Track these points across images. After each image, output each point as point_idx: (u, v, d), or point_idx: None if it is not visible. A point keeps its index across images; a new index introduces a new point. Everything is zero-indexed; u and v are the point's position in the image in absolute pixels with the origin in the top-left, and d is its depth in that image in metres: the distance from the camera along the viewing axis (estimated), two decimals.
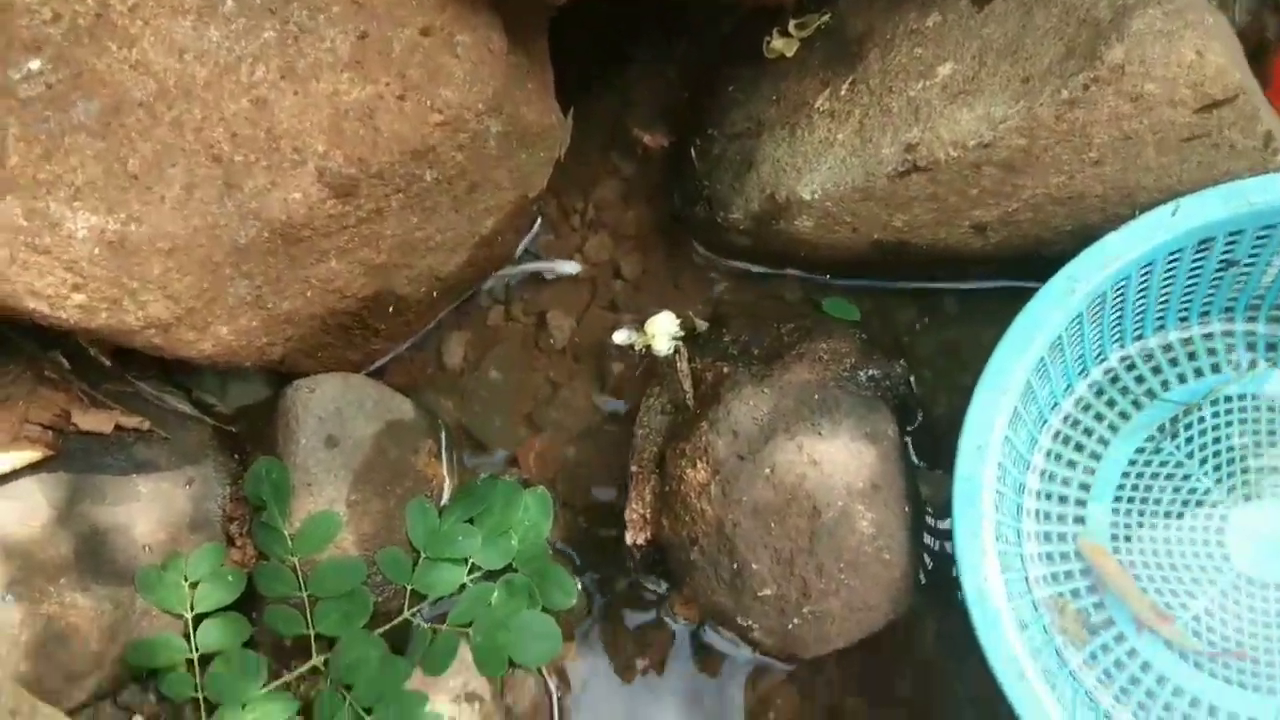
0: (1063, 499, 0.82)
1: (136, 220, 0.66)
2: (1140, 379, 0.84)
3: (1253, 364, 0.82)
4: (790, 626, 0.71)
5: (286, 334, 0.77)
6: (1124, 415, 0.84)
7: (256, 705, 0.74)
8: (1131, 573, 0.80)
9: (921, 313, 0.91)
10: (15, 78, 0.61)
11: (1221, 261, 0.77)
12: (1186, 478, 0.81)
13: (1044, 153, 0.72)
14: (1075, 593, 0.80)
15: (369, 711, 0.73)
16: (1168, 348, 0.85)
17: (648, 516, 0.78)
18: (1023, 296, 0.82)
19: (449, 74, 0.71)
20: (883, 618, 0.73)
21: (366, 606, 0.77)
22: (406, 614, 0.79)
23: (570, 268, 0.92)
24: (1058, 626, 0.78)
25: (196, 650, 0.75)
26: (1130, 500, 0.81)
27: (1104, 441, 0.83)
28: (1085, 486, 0.82)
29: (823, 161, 0.78)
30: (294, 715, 0.75)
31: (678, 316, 0.87)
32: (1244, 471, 0.79)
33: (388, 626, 0.78)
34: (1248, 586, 0.77)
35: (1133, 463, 0.82)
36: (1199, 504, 0.80)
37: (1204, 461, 0.80)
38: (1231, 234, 0.75)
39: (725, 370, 0.79)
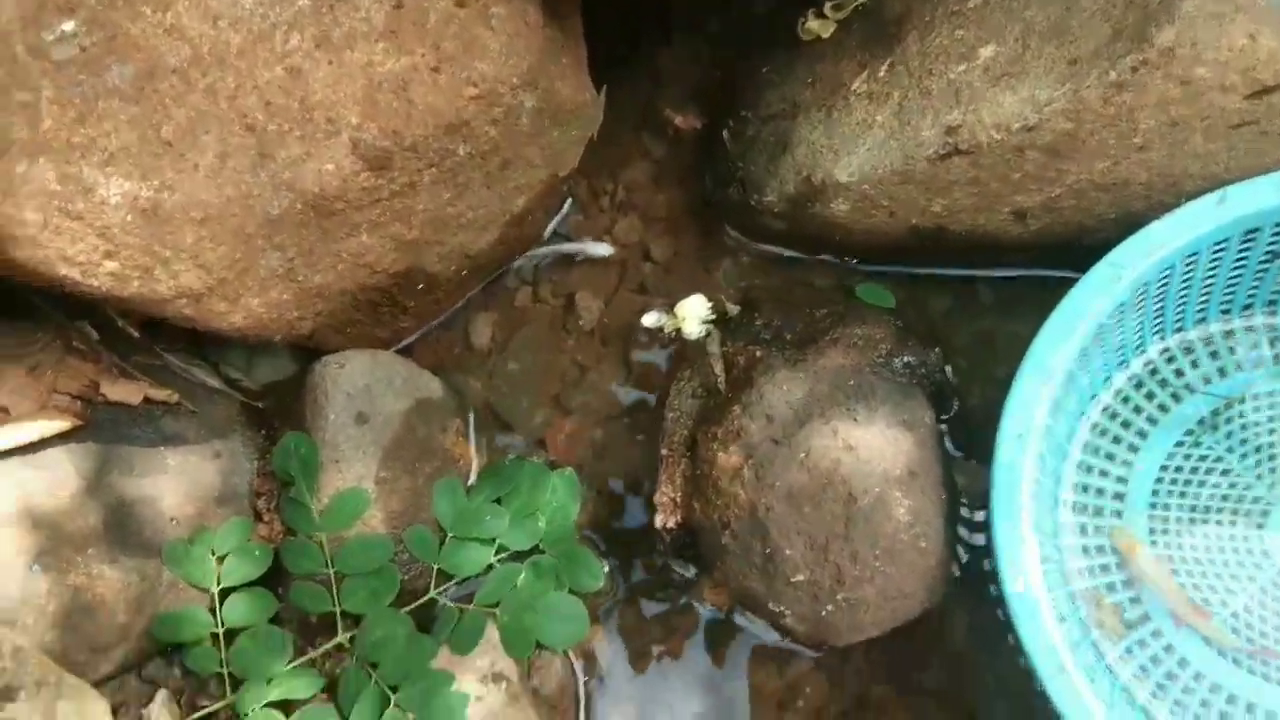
0: (1100, 491, 0.81)
1: (169, 188, 0.65)
2: (1179, 372, 0.83)
3: None
4: (823, 613, 0.70)
5: (317, 308, 0.77)
6: (1163, 408, 0.82)
7: (282, 681, 0.74)
8: (1169, 567, 0.78)
9: (955, 301, 0.89)
10: (49, 39, 0.60)
11: (1268, 253, 0.76)
12: (1226, 472, 0.79)
13: (1089, 137, 0.71)
14: (1111, 586, 0.78)
15: (394, 689, 0.73)
16: (1208, 340, 0.83)
17: (678, 500, 0.77)
18: (1059, 287, 0.80)
19: (484, 46, 0.70)
20: (918, 606, 0.72)
21: (394, 584, 0.76)
22: (433, 593, 0.78)
23: (602, 250, 0.91)
24: (1094, 620, 0.76)
25: (222, 625, 0.75)
26: (1169, 494, 0.80)
27: (1142, 434, 0.82)
28: (1123, 479, 0.81)
29: (860, 144, 0.76)
30: (319, 692, 0.75)
31: (709, 300, 0.85)
32: None
33: (413, 605, 0.77)
34: None
35: (1171, 456, 0.81)
36: (1239, 499, 0.78)
37: (1245, 456, 0.79)
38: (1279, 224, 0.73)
39: (758, 354, 0.78)
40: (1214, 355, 0.82)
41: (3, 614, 0.68)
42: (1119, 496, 0.81)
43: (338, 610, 0.76)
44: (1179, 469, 0.80)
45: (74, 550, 0.72)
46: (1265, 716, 0.73)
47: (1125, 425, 0.82)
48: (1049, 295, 0.86)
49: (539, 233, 0.92)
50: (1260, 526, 0.77)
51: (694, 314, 0.85)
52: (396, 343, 0.89)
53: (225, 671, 0.75)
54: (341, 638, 0.76)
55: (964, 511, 0.80)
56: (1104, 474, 0.81)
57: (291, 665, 0.75)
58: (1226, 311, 0.82)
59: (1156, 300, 0.77)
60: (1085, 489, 0.81)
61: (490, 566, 0.79)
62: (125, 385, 0.78)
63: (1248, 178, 0.72)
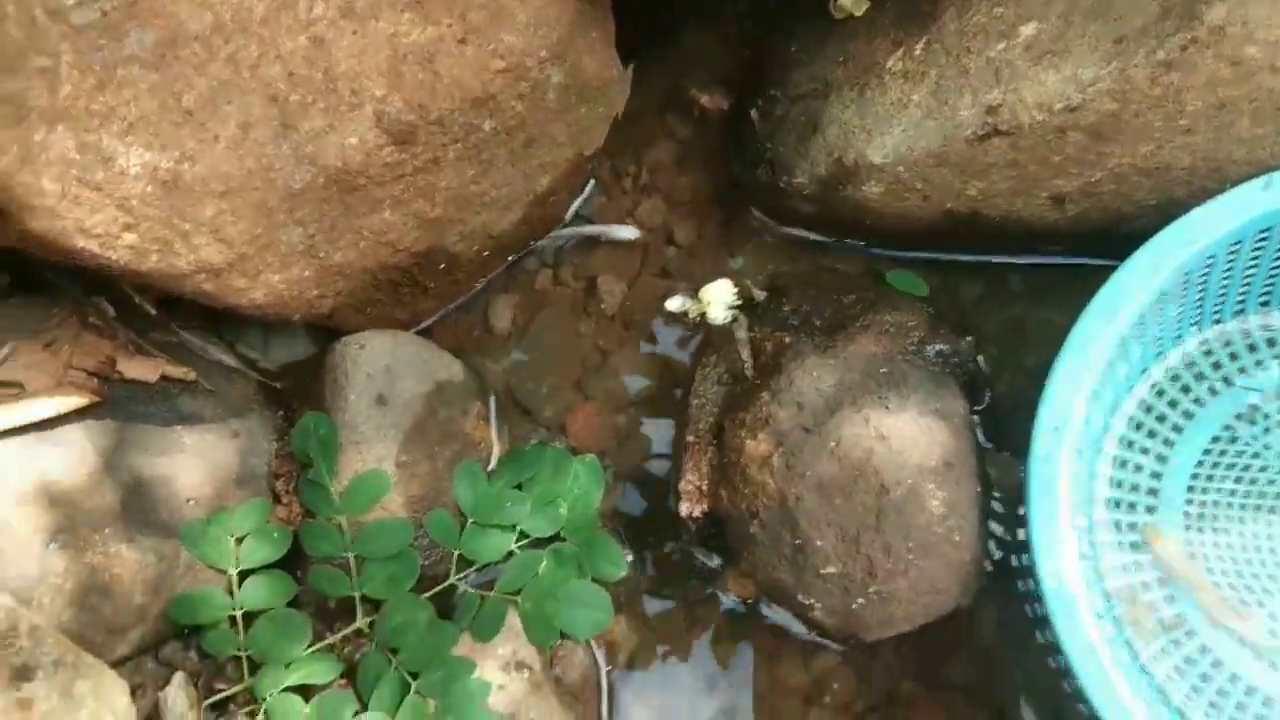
0: (1134, 487, 0.79)
1: (190, 159, 0.64)
2: (1217, 365, 0.80)
3: None
4: (854, 606, 0.69)
5: (337, 287, 0.75)
6: (1199, 402, 0.80)
7: (300, 666, 0.73)
8: (1205, 566, 0.76)
9: (986, 289, 0.87)
10: (69, 3, 0.59)
11: None
12: (1265, 469, 0.77)
13: (1134, 118, 0.68)
14: (1146, 584, 0.77)
15: (415, 676, 0.71)
16: (1246, 333, 0.81)
17: (704, 488, 0.75)
18: (1093, 275, 0.78)
19: (512, 18, 0.69)
20: (951, 601, 0.70)
21: (414, 569, 0.75)
22: (453, 579, 0.77)
23: (628, 233, 0.89)
24: (1129, 618, 0.74)
25: (240, 608, 0.74)
26: (1204, 490, 0.78)
27: (1178, 429, 0.80)
28: (1157, 475, 0.79)
29: (895, 124, 0.74)
30: (337, 677, 0.73)
31: (734, 285, 0.84)
32: None
33: (433, 591, 0.76)
34: None
35: (1207, 451, 0.79)
36: (1278, 495, 0.76)
37: None
38: None
39: (786, 340, 0.76)
40: (1252, 349, 0.80)
41: (19, 592, 0.67)
42: (1153, 492, 0.79)
43: (357, 595, 0.75)
44: (1215, 464, 0.78)
45: (91, 529, 0.70)
46: None
47: (1160, 419, 0.80)
48: (1082, 284, 0.83)
49: (561, 214, 0.90)
50: None
51: (719, 299, 0.83)
52: (416, 324, 0.88)
53: (243, 655, 0.73)
54: (360, 623, 0.75)
55: (995, 505, 0.78)
56: (1138, 469, 0.79)
57: (310, 650, 0.74)
58: (1266, 303, 0.80)
59: (1198, 290, 0.75)
60: (1119, 484, 0.79)
61: (511, 553, 0.77)
62: (142, 362, 0.76)
63: None
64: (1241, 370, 0.80)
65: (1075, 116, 0.69)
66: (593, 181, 0.92)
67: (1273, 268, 0.76)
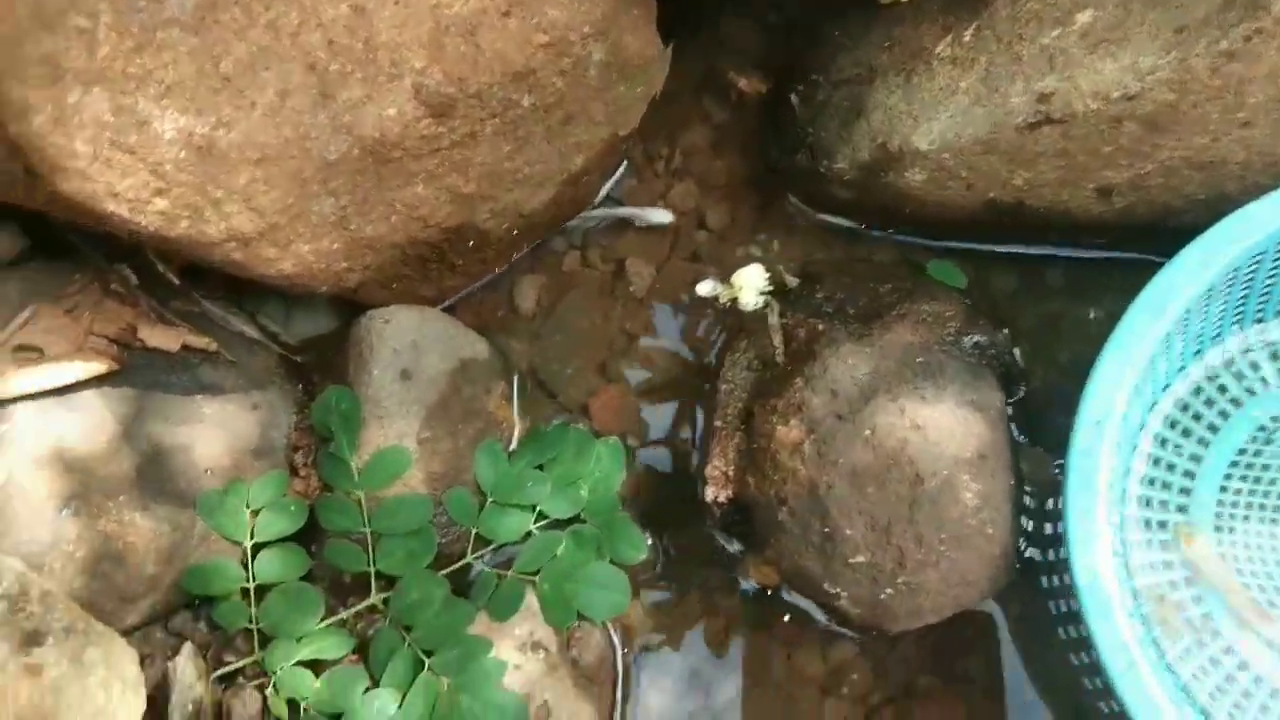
0: (1166, 485, 0.77)
1: (226, 125, 0.62)
2: (1255, 365, 0.79)
3: None
4: (881, 597, 0.68)
5: (366, 260, 0.74)
6: (1235, 402, 0.79)
7: (312, 640, 0.72)
8: (1234, 567, 0.75)
9: (1021, 281, 0.86)
10: None
11: None
12: None
13: (1192, 109, 0.67)
14: (1173, 584, 0.75)
15: (429, 654, 0.70)
16: None
17: (730, 474, 0.74)
18: (1133, 271, 0.77)
19: None
20: (979, 595, 0.69)
21: (431, 546, 0.74)
22: (470, 558, 0.76)
23: (662, 216, 0.87)
24: (1157, 617, 0.73)
25: (254, 580, 0.73)
26: (1237, 491, 0.77)
27: (1213, 428, 0.78)
28: (1190, 474, 0.78)
29: (943, 110, 0.73)
30: (349, 653, 0.72)
31: (767, 270, 0.82)
32: None
33: (449, 570, 0.75)
34: None
35: (1242, 451, 0.78)
36: None
37: None
38: None
39: (820, 327, 0.75)
40: None
41: (30, 558, 0.66)
42: (1185, 492, 0.77)
43: (372, 571, 0.74)
44: (1249, 465, 0.77)
45: (105, 496, 0.69)
46: None
47: (1197, 418, 0.79)
48: (1119, 280, 0.82)
49: (592, 195, 0.88)
50: None
51: (751, 284, 0.81)
52: (441, 302, 0.86)
53: (254, 627, 0.73)
54: (375, 599, 0.74)
55: (1026, 500, 0.77)
56: (1171, 468, 0.78)
57: (322, 624, 0.73)
58: None
59: (1243, 287, 0.74)
60: (1152, 482, 0.78)
61: (529, 534, 0.76)
62: (164, 331, 0.75)
63: None
64: None
65: (1132, 106, 0.67)
66: (625, 163, 0.90)
67: None
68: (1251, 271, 0.72)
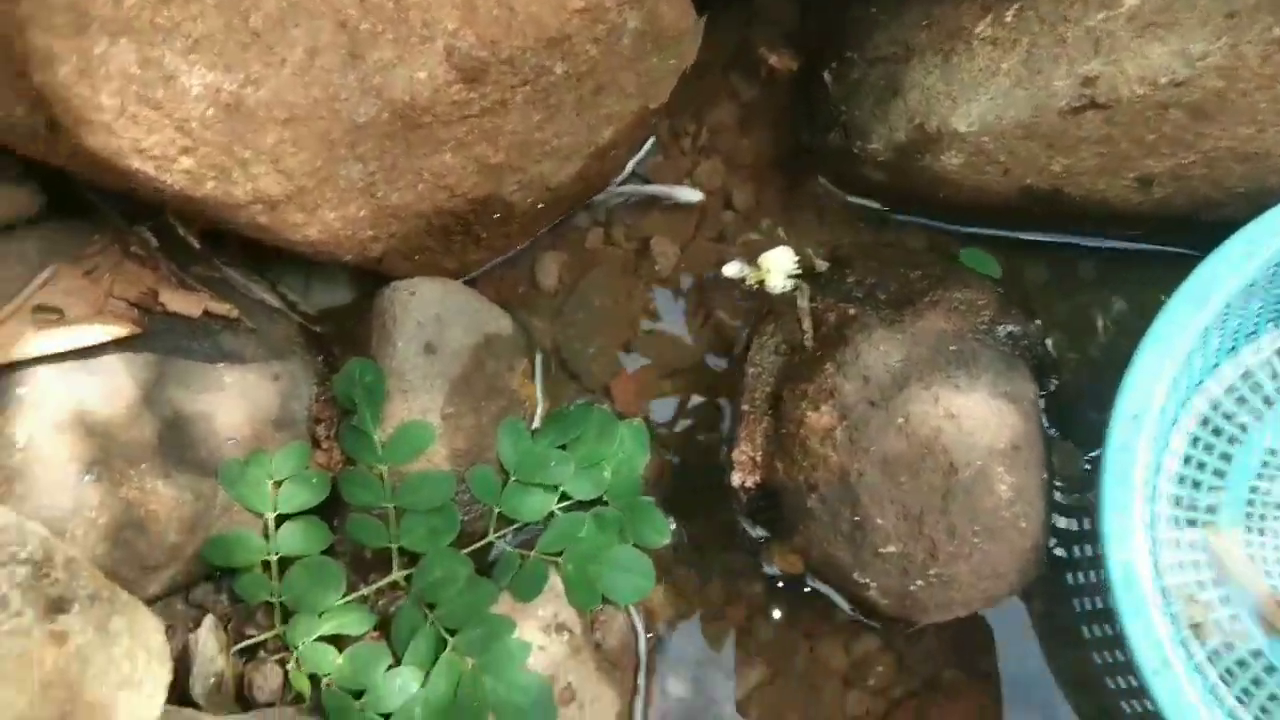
0: (1196, 484, 0.76)
1: (254, 83, 0.61)
2: None
3: None
4: (911, 588, 0.67)
5: (391, 229, 0.72)
6: (1268, 401, 0.77)
7: (334, 615, 0.71)
8: (1264, 569, 0.74)
9: (1050, 272, 0.84)
10: None
11: None
12: None
13: (1240, 98, 0.65)
14: (1201, 583, 0.75)
15: (452, 632, 0.70)
16: None
17: (757, 459, 0.73)
18: (1166, 264, 0.76)
19: None
20: (1009, 588, 0.68)
21: (454, 524, 0.73)
22: (491, 536, 0.75)
23: (691, 195, 0.86)
24: (1185, 616, 0.73)
25: (276, 553, 0.72)
26: (1267, 492, 0.76)
27: (1243, 427, 0.77)
28: (1220, 473, 0.77)
29: (982, 92, 0.71)
30: (370, 630, 0.72)
31: (795, 253, 0.81)
32: None
33: (470, 549, 0.74)
34: None
35: (1273, 452, 0.77)
36: None
37: None
38: None
39: (850, 312, 0.74)
40: None
41: (52, 523, 0.65)
42: (1215, 490, 0.76)
43: (394, 547, 0.73)
44: None
45: (127, 463, 0.68)
46: None
47: (1228, 416, 0.77)
48: (1153, 273, 0.81)
49: (618, 170, 0.87)
50: None
51: (779, 267, 0.80)
52: (462, 275, 0.85)
53: (276, 601, 0.72)
54: (396, 575, 0.73)
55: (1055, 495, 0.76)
56: (1201, 466, 0.77)
57: (344, 600, 0.72)
58: None
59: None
60: (1182, 480, 0.77)
61: (552, 514, 0.75)
62: (185, 296, 0.74)
63: None
64: None
65: (1179, 93, 0.66)
66: (651, 139, 0.89)
67: None
68: None
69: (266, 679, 0.71)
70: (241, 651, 0.72)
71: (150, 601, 0.70)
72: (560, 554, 0.73)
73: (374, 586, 0.73)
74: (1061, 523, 0.75)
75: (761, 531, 0.78)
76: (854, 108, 0.78)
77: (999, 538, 0.66)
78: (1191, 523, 0.76)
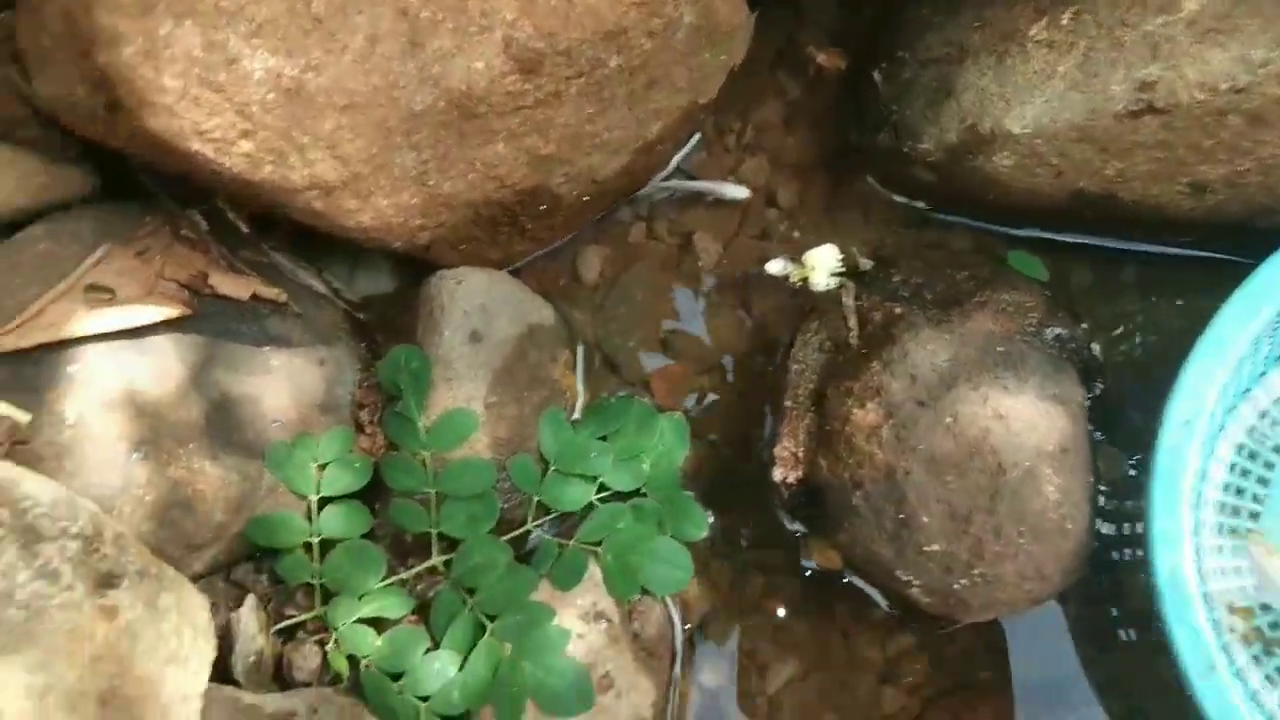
0: (1239, 491, 0.76)
1: (315, 69, 0.61)
2: None
3: None
4: (955, 587, 0.67)
5: (441, 218, 0.73)
6: None
7: (374, 598, 0.71)
8: None
9: (1095, 276, 0.84)
10: None
11: None
12: None
13: None
14: (1242, 590, 0.74)
15: (491, 618, 0.70)
16: None
17: (800, 455, 0.73)
18: (1215, 271, 0.75)
19: None
20: (1052, 590, 0.68)
21: (494, 511, 0.73)
22: (530, 525, 0.75)
23: (737, 192, 0.86)
24: (1226, 623, 0.72)
25: (318, 535, 0.72)
26: None
27: None
28: (1264, 481, 0.76)
29: (1037, 94, 0.71)
30: (409, 613, 0.72)
31: (839, 251, 0.81)
32: None
33: (508, 537, 0.74)
34: None
35: None
36: None
37: None
38: None
39: (897, 311, 0.74)
40: None
41: (100, 500, 0.66)
42: (1259, 499, 0.76)
43: (434, 532, 0.73)
44: None
45: (175, 442, 0.69)
46: None
47: (1275, 424, 0.77)
48: (1200, 280, 0.80)
49: (663, 165, 0.87)
50: None
51: (824, 264, 0.80)
52: (506, 266, 0.85)
53: (316, 583, 0.72)
54: (436, 560, 0.74)
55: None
56: (1245, 474, 0.76)
57: (383, 583, 0.72)
58: None
59: None
60: (1226, 487, 0.76)
61: (590, 505, 0.75)
62: (235, 279, 0.75)
63: None
64: None
65: (1239, 99, 0.65)
66: (697, 135, 0.89)
67: None
68: None
69: (305, 659, 0.72)
70: (280, 631, 0.73)
71: (193, 580, 0.71)
72: (599, 544, 0.73)
73: (413, 571, 0.74)
74: (1104, 527, 0.74)
75: (800, 527, 0.78)
76: (905, 108, 0.78)
77: (1045, 539, 0.66)
78: (1234, 530, 0.75)
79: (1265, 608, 0.74)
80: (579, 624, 0.70)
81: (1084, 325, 0.78)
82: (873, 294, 0.77)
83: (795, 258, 0.82)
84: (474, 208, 0.74)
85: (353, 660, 0.70)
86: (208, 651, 0.62)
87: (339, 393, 0.76)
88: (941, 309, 0.73)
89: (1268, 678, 0.72)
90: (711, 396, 0.85)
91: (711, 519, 0.79)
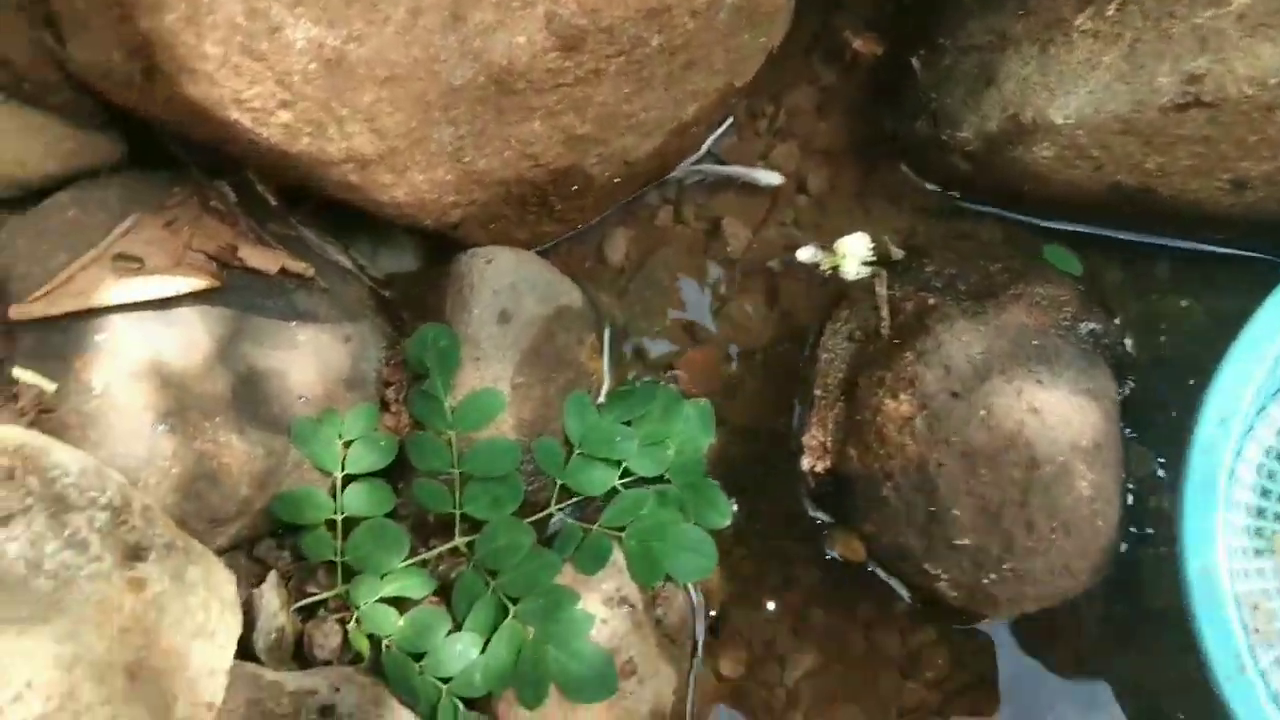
0: (1266, 493, 0.76)
1: (357, 40, 0.60)
2: None
3: None
4: (984, 581, 0.66)
5: (473, 196, 0.72)
6: None
7: (396, 578, 0.71)
8: None
9: (1126, 272, 0.83)
10: None
11: None
12: None
13: None
14: (1267, 592, 0.74)
15: (513, 601, 0.70)
16: None
17: (828, 445, 0.73)
18: (1242, 267, 0.75)
19: None
20: (1081, 587, 0.68)
21: (518, 493, 0.73)
22: (553, 508, 0.75)
23: (771, 178, 0.85)
24: (1251, 624, 0.72)
25: (342, 512, 0.72)
26: None
27: None
28: None
29: (1082, 84, 0.70)
30: (430, 594, 0.72)
31: (871, 240, 0.80)
32: None
33: (531, 519, 0.74)
34: None
35: None
36: None
37: None
38: None
39: (930, 301, 0.73)
40: None
41: (126, 472, 0.65)
42: None
43: (457, 513, 0.73)
44: None
45: (201, 415, 0.68)
46: None
47: None
48: (1234, 278, 0.79)
49: (695, 148, 0.86)
50: None
51: (855, 253, 0.79)
52: (533, 247, 0.84)
53: (339, 561, 0.72)
54: (459, 541, 0.73)
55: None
56: (1272, 475, 0.76)
57: (405, 563, 0.72)
58: None
59: None
60: (1255, 489, 0.76)
61: (614, 490, 0.75)
62: (263, 252, 0.74)
63: None
64: None
65: None
66: (729, 119, 0.88)
67: None
68: None
69: (327, 637, 0.71)
70: (301, 609, 0.72)
71: (216, 555, 0.71)
72: (622, 529, 0.73)
73: (435, 551, 0.73)
74: (1134, 525, 0.74)
75: (824, 516, 0.77)
76: (944, 95, 0.77)
77: (1076, 535, 0.65)
78: (1260, 531, 0.75)
79: None
80: (602, 609, 0.70)
81: (1117, 320, 0.77)
82: (905, 283, 0.76)
83: (825, 245, 0.81)
84: (506, 185, 0.73)
85: (374, 640, 0.70)
86: (234, 626, 0.61)
87: (365, 369, 0.76)
88: (976, 300, 0.73)
89: None
90: (738, 383, 0.84)
91: (734, 506, 0.79)
